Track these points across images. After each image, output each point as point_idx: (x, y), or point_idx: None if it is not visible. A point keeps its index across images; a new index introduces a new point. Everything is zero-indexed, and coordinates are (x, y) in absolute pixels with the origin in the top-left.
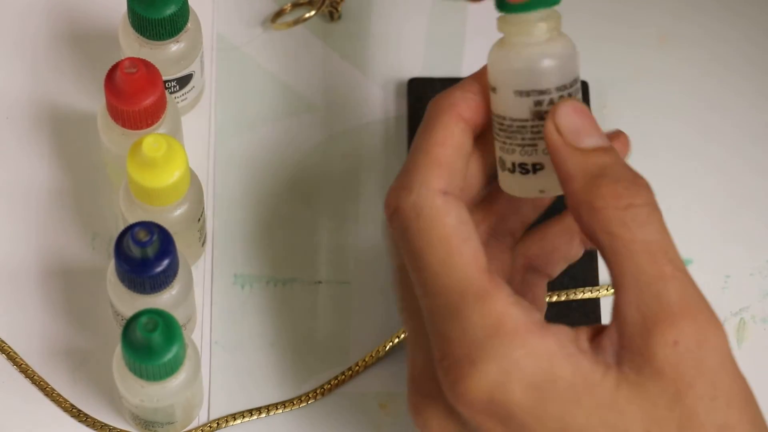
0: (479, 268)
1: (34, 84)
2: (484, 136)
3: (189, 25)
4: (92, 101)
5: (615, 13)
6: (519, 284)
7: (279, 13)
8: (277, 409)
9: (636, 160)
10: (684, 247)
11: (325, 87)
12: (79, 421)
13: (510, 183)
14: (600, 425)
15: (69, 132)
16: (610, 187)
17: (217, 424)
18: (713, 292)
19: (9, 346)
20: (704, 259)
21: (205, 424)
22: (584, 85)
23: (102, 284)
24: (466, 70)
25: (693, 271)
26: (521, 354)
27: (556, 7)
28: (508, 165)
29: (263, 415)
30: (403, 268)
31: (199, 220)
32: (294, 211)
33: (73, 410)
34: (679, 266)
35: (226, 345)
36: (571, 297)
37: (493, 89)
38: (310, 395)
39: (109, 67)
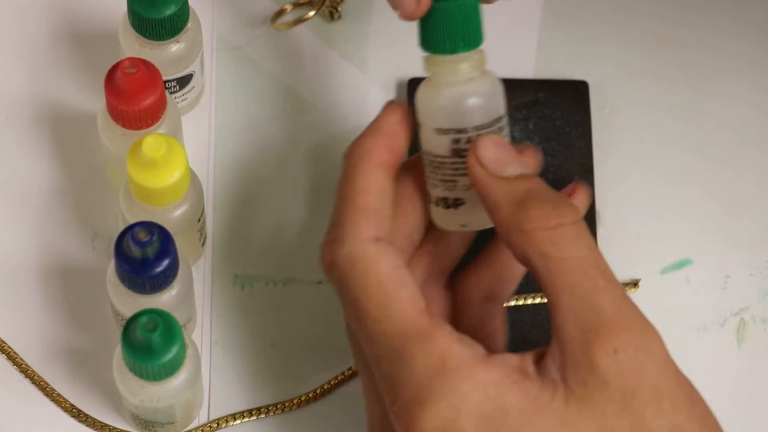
0: (418, 310)
1: (34, 84)
2: (414, 185)
3: (189, 25)
4: (92, 101)
5: (614, 14)
6: (478, 317)
7: (279, 14)
8: (277, 409)
9: (636, 160)
10: (684, 247)
11: (325, 87)
12: (79, 421)
13: (436, 215)
14: None
15: (69, 132)
16: (536, 210)
17: (217, 424)
18: (713, 292)
19: (9, 346)
20: (704, 259)
21: (205, 424)
22: (584, 85)
23: (102, 284)
24: None
25: (693, 271)
26: (468, 388)
27: (483, 47)
28: (434, 198)
29: (263, 415)
30: (350, 323)
31: (199, 220)
32: (294, 211)
33: (73, 410)
34: (611, 279)
35: (226, 345)
36: None
37: (419, 125)
38: (310, 395)
39: (109, 67)
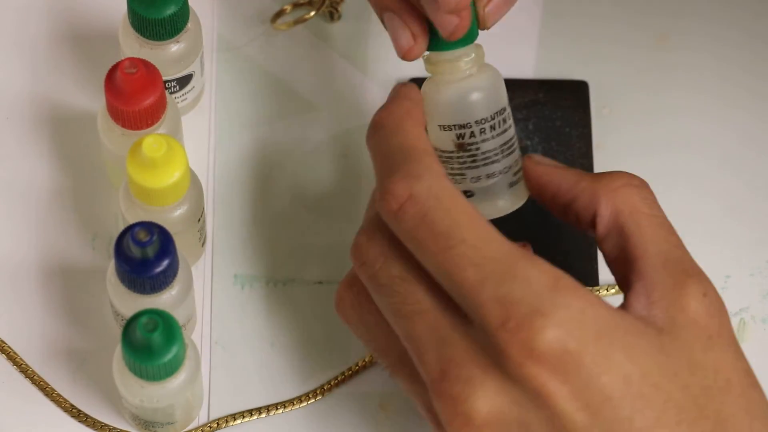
0: (508, 239)
1: (34, 84)
2: None
3: (189, 25)
4: (92, 101)
5: (614, 14)
6: None
7: (279, 14)
8: (277, 409)
9: (636, 160)
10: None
11: (325, 87)
12: (79, 421)
13: None
14: (655, 368)
15: (69, 132)
16: (619, 173)
17: (217, 424)
18: None
19: (9, 346)
20: (704, 259)
21: (205, 424)
22: (584, 85)
23: (102, 284)
24: None
25: None
26: (583, 304)
27: (479, 41)
28: None
29: (263, 415)
30: (401, 275)
31: (199, 220)
32: (294, 211)
33: (73, 410)
34: (681, 241)
35: (226, 345)
36: None
37: (426, 123)
38: (310, 395)
39: (109, 67)
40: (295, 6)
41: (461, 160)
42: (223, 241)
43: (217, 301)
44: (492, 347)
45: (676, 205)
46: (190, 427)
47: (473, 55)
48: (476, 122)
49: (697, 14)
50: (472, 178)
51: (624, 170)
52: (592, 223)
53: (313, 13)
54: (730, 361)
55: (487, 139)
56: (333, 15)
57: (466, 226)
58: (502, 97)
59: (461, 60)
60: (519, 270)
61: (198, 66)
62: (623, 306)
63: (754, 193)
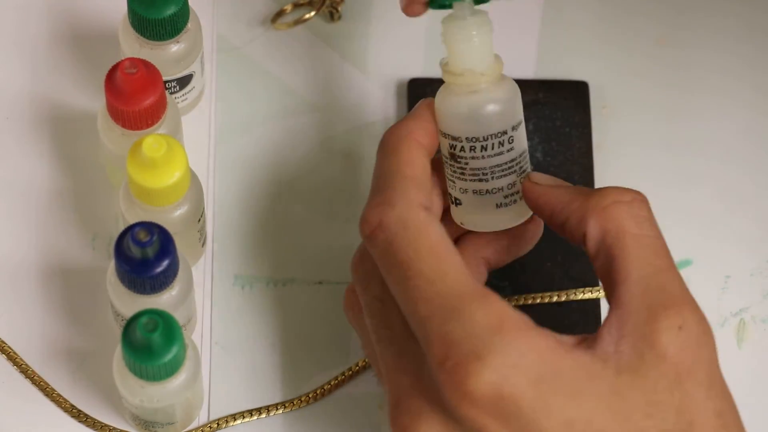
0: (469, 275)
1: (34, 84)
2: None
3: (189, 25)
4: (92, 101)
5: (615, 14)
6: None
7: (279, 14)
8: (277, 409)
9: (636, 160)
10: (684, 247)
11: (325, 87)
12: (79, 421)
13: (451, 209)
14: (604, 412)
15: (69, 132)
16: (612, 189)
17: (217, 424)
18: (713, 292)
19: (9, 346)
20: (704, 259)
21: (205, 425)
22: (584, 85)
23: (102, 284)
24: None
25: (693, 271)
26: (526, 348)
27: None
28: (448, 192)
29: (263, 415)
30: (380, 296)
31: (199, 220)
32: (294, 211)
33: (73, 410)
34: (674, 262)
35: (226, 345)
36: (572, 297)
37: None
38: (310, 395)
39: (109, 67)
40: (295, 6)
41: (453, 169)
42: (223, 241)
43: (217, 302)
44: (436, 383)
45: (676, 204)
46: (190, 428)
47: (482, 70)
48: (467, 139)
49: (698, 15)
50: (460, 188)
51: (622, 177)
52: (584, 243)
53: (313, 13)
54: (699, 401)
55: (477, 158)
56: (333, 15)
57: (424, 258)
58: (508, 119)
59: (469, 73)
60: (465, 309)
61: (198, 66)
62: (594, 336)
63: (755, 193)
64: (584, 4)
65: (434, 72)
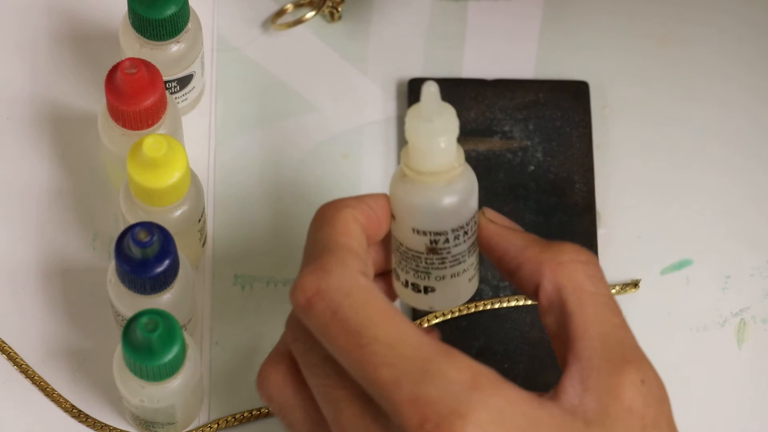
0: (425, 334)
1: (34, 84)
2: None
3: (189, 25)
4: (92, 101)
5: (614, 14)
6: None
7: (279, 14)
8: None
9: (636, 160)
10: (684, 247)
11: (325, 87)
12: (79, 421)
13: (403, 294)
14: None
15: (69, 132)
16: (569, 246)
17: (217, 424)
18: (713, 292)
19: (9, 346)
20: (704, 259)
21: (205, 425)
22: (584, 85)
23: (102, 284)
24: (466, 70)
25: (693, 271)
26: (504, 402)
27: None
28: (402, 280)
29: (263, 415)
30: (331, 355)
31: (199, 220)
32: (294, 211)
33: (73, 410)
34: (626, 320)
35: (226, 345)
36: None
37: (393, 217)
38: None
39: (109, 67)
40: (296, 6)
41: (429, 261)
42: (224, 241)
43: (217, 302)
44: None
45: (676, 204)
46: (190, 428)
47: (458, 163)
48: (452, 230)
49: (698, 15)
50: (436, 276)
51: (622, 177)
52: (535, 295)
53: (313, 13)
54: None
55: (460, 244)
56: (333, 15)
57: (379, 324)
58: (476, 199)
59: (445, 169)
60: (435, 368)
61: (198, 66)
62: (555, 391)
63: (755, 193)
64: (584, 4)
65: (434, 72)
